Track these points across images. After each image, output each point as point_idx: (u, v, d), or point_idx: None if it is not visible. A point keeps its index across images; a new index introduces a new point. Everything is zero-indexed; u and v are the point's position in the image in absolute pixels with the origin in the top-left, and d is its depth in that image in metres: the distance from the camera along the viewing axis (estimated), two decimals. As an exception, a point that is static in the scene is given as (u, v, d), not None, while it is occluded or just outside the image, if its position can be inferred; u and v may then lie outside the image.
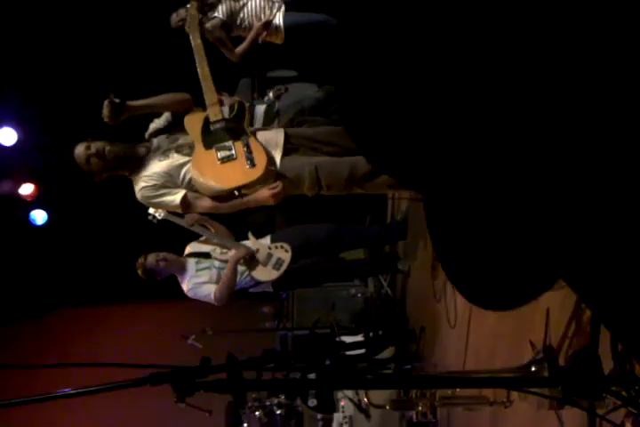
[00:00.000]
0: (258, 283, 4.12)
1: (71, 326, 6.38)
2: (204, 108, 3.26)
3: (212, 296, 3.97)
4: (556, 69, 1.03)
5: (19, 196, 5.52)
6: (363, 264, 4.97)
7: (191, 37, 3.30)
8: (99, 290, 6.21)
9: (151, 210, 3.74)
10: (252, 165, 3.04)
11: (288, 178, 3.10)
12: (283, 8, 4.10)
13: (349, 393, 4.22)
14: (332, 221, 4.41)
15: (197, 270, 4.07)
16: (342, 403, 4.34)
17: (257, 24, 4.01)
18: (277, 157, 3.14)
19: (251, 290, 4.17)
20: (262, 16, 4.07)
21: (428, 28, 1.11)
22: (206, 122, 3.18)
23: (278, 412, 4.68)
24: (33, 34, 5.12)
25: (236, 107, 3.24)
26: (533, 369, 1.96)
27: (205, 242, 4.15)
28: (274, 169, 3.08)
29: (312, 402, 4.48)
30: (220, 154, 3.08)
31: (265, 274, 3.98)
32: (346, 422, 4.32)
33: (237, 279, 3.99)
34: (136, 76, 5.15)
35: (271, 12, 4.08)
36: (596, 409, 1.63)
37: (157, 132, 3.34)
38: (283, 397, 4.70)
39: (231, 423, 4.84)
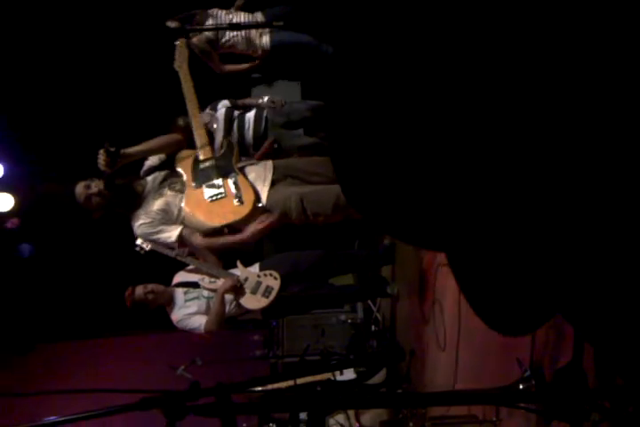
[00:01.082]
0: (247, 311, 4.11)
1: (58, 361, 6.31)
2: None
3: (202, 328, 3.95)
4: (555, 75, 1.04)
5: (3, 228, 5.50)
6: (352, 290, 4.98)
7: (181, 75, 3.41)
8: (85, 323, 6.16)
9: (139, 241, 3.74)
10: (240, 202, 3.17)
11: (275, 212, 3.22)
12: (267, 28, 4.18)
13: (340, 419, 4.19)
14: (320, 247, 4.43)
15: (186, 301, 4.05)
16: (334, 429, 4.31)
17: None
18: (265, 191, 3.27)
19: (239, 318, 4.15)
20: (247, 34, 4.15)
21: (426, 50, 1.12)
22: (196, 160, 3.30)
23: (269, 442, 4.62)
24: (17, 63, 5.15)
25: (225, 144, 3.37)
26: (522, 387, 1.99)
27: (193, 271, 4.14)
28: (261, 206, 3.20)
29: (304, 430, 4.43)
30: (210, 192, 3.21)
31: (254, 302, 3.96)
32: (338, 450, 4.28)
33: (226, 309, 3.99)
34: (122, 98, 5.20)
35: (257, 29, 4.16)
36: (582, 423, 1.65)
37: (151, 170, 3.49)
38: (274, 425, 4.65)
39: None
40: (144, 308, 4.05)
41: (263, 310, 4.08)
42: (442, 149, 1.17)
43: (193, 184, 3.28)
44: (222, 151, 3.40)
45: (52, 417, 1.41)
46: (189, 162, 3.33)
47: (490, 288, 1.36)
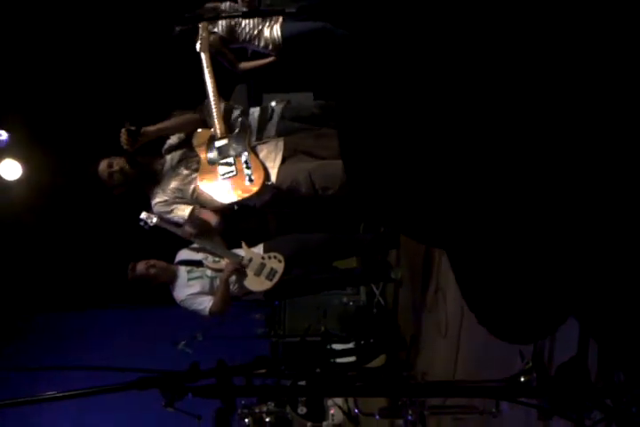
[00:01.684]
0: (250, 291, 4.11)
1: (57, 332, 6.34)
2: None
3: (207, 311, 3.95)
4: (555, 75, 1.03)
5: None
6: (355, 273, 4.97)
7: (203, 58, 3.54)
8: (87, 296, 6.17)
9: (143, 215, 3.74)
10: (251, 181, 3.31)
11: (284, 188, 3.32)
12: (280, 19, 4.11)
13: (339, 401, 4.21)
14: (325, 230, 4.41)
15: (189, 280, 4.04)
16: (332, 411, 4.33)
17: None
18: (275, 169, 3.39)
19: (242, 298, 4.15)
20: (260, 25, 4.09)
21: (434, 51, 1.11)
22: (212, 139, 3.45)
23: (267, 419, 4.65)
24: (28, 56, 5.11)
25: (239, 124, 3.49)
26: (522, 379, 1.97)
27: (197, 250, 4.12)
28: (270, 184, 3.33)
29: (302, 410, 4.46)
30: (223, 170, 3.37)
31: (257, 284, 3.95)
32: (335, 431, 4.32)
33: (230, 289, 3.98)
34: (136, 83, 5.16)
35: (268, 23, 4.10)
36: (583, 420, 1.64)
37: (171, 149, 3.65)
38: (272, 404, 4.69)
39: (220, 430, 4.83)
40: (145, 284, 4.04)
41: (266, 292, 4.08)
42: (444, 148, 1.16)
43: (207, 162, 3.42)
44: (237, 131, 3.49)
45: (49, 392, 1.40)
46: (205, 140, 3.45)
47: (493, 295, 1.34)
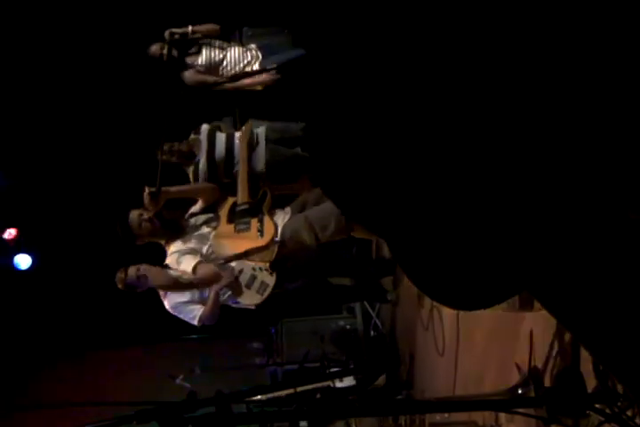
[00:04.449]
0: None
1: (60, 375, 6.29)
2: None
3: (196, 320, 3.96)
4: (555, 76, 1.04)
5: (1, 240, 5.50)
6: (349, 289, 4.95)
7: (240, 147, 3.97)
8: (83, 335, 6.14)
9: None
10: (262, 235, 3.66)
11: (289, 242, 3.61)
12: (260, 56, 4.23)
13: (340, 425, 4.17)
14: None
15: None
16: (335, 437, 4.28)
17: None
18: (281, 226, 3.75)
19: (233, 306, 4.15)
20: (242, 64, 4.21)
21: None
22: (234, 205, 3.88)
23: (271, 450, 4.59)
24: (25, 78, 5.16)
25: (260, 193, 3.86)
26: (520, 391, 1.99)
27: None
28: (277, 240, 3.62)
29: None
30: (238, 226, 3.77)
31: (248, 297, 3.94)
32: (339, 457, 4.26)
33: (220, 299, 3.99)
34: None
35: (249, 60, 4.22)
36: (581, 427, 1.65)
37: (194, 215, 4.05)
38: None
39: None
40: (133, 290, 4.04)
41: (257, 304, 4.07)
42: (434, 147, 1.16)
43: (226, 221, 3.84)
44: (258, 198, 3.86)
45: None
46: (228, 206, 3.89)
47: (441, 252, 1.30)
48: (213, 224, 3.93)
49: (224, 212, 3.90)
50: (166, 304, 4.05)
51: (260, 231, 3.68)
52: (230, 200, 3.94)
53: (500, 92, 1.09)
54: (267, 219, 3.74)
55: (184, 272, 3.84)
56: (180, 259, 3.85)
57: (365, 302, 5.59)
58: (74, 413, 1.86)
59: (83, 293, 5.96)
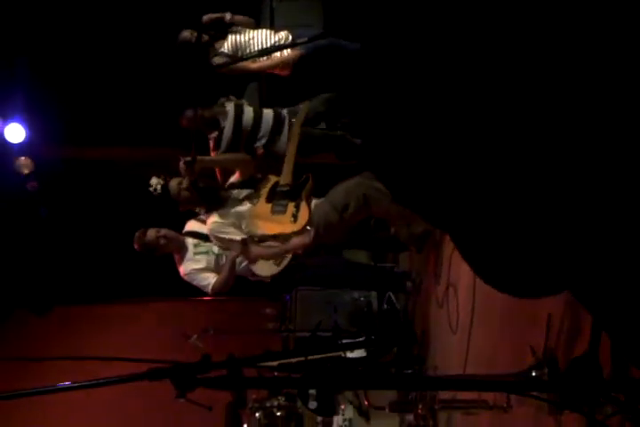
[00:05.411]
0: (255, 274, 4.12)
1: (73, 324, 6.38)
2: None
3: (210, 288, 3.98)
4: (556, 74, 1.03)
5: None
6: (366, 277, 4.92)
7: (293, 131, 4.04)
8: (97, 288, 6.21)
9: (153, 181, 3.92)
10: (295, 220, 3.73)
11: (320, 230, 3.68)
12: (290, 38, 4.22)
13: (350, 396, 4.21)
14: None
15: (195, 254, 4.09)
16: (342, 406, 4.33)
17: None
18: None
19: (251, 278, 4.17)
20: (269, 43, 4.21)
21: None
22: (275, 184, 3.97)
23: (278, 414, 4.66)
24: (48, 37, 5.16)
25: (303, 178, 3.97)
26: (534, 374, 1.97)
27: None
28: (309, 229, 3.71)
29: (312, 404, 4.45)
30: (275, 208, 3.84)
31: (264, 268, 3.97)
32: (346, 425, 4.31)
33: (236, 269, 4.00)
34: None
35: (277, 41, 4.24)
36: (595, 415, 1.63)
37: (233, 186, 4.17)
38: (283, 399, 4.69)
39: (231, 424, 4.83)
40: (151, 252, 4.09)
41: (273, 276, 4.09)
42: (444, 145, 1.18)
43: (265, 199, 3.92)
44: (299, 182, 3.94)
45: (63, 383, 1.41)
46: (270, 185, 3.98)
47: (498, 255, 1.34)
48: (254, 201, 3.99)
49: (265, 190, 3.98)
50: (181, 271, 4.09)
51: (295, 216, 3.74)
52: (273, 179, 4.02)
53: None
54: (303, 205, 3.81)
55: (230, 240, 3.89)
56: (227, 229, 3.90)
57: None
58: (89, 365, 1.88)
59: (101, 244, 6.03)
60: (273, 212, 3.83)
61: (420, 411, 2.35)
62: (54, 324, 6.20)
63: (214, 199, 4.02)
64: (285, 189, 3.90)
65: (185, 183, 3.92)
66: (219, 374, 1.49)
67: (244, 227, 3.90)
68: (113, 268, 5.98)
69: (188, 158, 3.82)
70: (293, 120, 4.15)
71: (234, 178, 4.21)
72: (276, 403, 4.69)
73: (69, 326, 6.32)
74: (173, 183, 3.96)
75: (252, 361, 1.55)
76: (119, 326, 6.34)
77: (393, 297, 5.34)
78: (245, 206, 4.02)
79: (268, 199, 3.91)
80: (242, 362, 1.50)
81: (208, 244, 4.09)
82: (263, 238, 3.83)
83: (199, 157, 3.90)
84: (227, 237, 3.91)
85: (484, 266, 1.34)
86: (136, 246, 4.09)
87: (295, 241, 3.73)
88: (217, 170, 4.32)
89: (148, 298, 6.35)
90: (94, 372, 1.67)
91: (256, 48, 4.27)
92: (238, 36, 4.31)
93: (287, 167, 3.95)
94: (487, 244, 1.27)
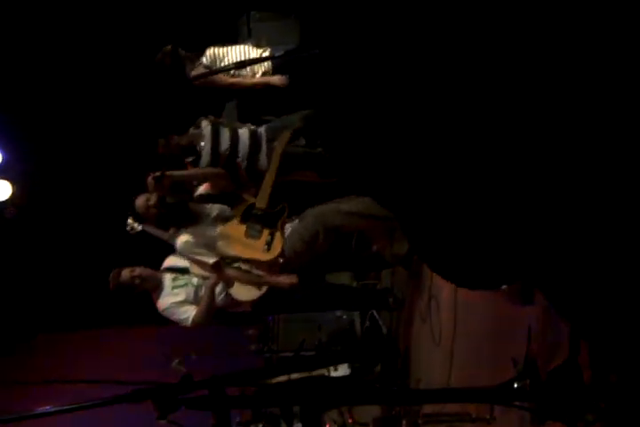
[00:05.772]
0: (237, 303, 4.06)
1: (55, 351, 6.29)
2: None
3: (189, 320, 3.90)
4: (555, 74, 1.04)
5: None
6: (348, 297, 4.90)
7: (274, 156, 3.94)
8: (84, 314, 6.14)
9: (130, 220, 3.84)
10: (268, 249, 3.72)
11: (292, 259, 3.72)
12: (268, 52, 4.27)
13: (334, 415, 4.18)
14: None
15: (173, 288, 4.00)
16: (327, 425, 4.29)
17: None
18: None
19: (229, 310, 4.11)
20: (247, 56, 4.24)
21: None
22: (251, 206, 3.88)
23: (263, 436, 4.60)
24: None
25: (279, 207, 3.91)
26: (516, 385, 1.98)
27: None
28: (281, 261, 3.74)
29: (297, 426, 4.40)
30: (250, 231, 3.79)
31: (245, 293, 3.93)
32: (331, 445, 4.27)
33: (216, 301, 3.94)
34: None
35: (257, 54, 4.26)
36: (576, 423, 1.65)
37: (202, 199, 4.06)
38: (267, 424, 4.63)
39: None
40: (128, 292, 3.99)
41: (253, 303, 4.04)
42: (440, 146, 1.18)
43: (239, 221, 3.85)
44: (277, 210, 3.89)
45: (45, 407, 1.40)
46: (245, 206, 3.88)
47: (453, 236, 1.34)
48: (226, 219, 3.92)
49: (239, 210, 3.91)
50: (159, 306, 4.01)
51: (269, 245, 3.73)
52: (249, 200, 3.95)
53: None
54: (278, 236, 3.79)
55: (200, 261, 3.84)
56: (198, 250, 3.83)
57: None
58: (71, 390, 1.86)
59: (81, 270, 5.96)
60: (247, 235, 3.79)
61: (403, 426, 2.35)
62: (39, 351, 6.12)
63: (184, 216, 3.91)
64: (259, 213, 3.86)
65: (153, 200, 3.80)
66: (202, 394, 1.49)
67: (217, 247, 3.87)
68: (95, 294, 5.92)
69: (157, 173, 3.75)
70: (275, 144, 4.08)
71: (203, 188, 4.10)
72: (260, 426, 4.63)
73: (53, 352, 6.23)
74: (140, 200, 3.83)
75: (233, 380, 1.55)
76: (102, 352, 6.26)
77: (376, 314, 5.35)
78: (216, 231, 3.95)
79: (242, 220, 3.87)
80: (224, 381, 1.50)
81: (186, 276, 4.03)
82: (234, 259, 3.81)
83: (168, 172, 3.82)
84: (197, 257, 3.84)
85: (438, 259, 1.34)
86: (111, 287, 4.00)
87: (284, 280, 3.78)
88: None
89: (126, 325, 6.28)
90: (75, 398, 1.65)
91: (234, 61, 4.28)
92: (217, 49, 4.33)
93: (264, 192, 3.92)
94: (446, 235, 1.27)
